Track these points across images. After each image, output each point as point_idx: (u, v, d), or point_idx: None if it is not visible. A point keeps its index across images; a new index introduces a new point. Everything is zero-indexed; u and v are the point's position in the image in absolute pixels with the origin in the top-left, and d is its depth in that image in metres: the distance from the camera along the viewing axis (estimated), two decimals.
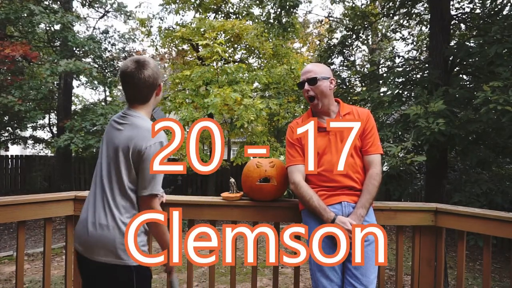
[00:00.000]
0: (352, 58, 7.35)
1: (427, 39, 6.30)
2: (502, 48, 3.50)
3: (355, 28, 6.34)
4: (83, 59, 8.52)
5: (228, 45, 8.55)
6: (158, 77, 1.48)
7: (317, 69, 1.77)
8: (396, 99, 4.40)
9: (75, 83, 10.56)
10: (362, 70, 10.07)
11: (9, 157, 10.82)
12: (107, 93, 11.53)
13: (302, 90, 1.79)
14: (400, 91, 4.54)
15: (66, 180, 9.79)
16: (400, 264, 1.97)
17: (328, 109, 1.78)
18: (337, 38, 7.08)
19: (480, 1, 4.98)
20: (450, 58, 4.60)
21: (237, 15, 9.83)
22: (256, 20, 9.22)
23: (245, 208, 1.94)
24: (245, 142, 8.32)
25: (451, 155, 5.46)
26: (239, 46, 9.15)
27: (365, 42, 11.93)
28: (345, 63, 6.79)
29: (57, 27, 7.89)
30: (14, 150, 12.36)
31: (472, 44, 4.82)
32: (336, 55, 6.48)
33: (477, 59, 4.14)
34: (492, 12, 4.76)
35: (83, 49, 8.07)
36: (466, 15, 5.20)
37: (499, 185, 4.18)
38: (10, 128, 9.79)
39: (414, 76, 5.23)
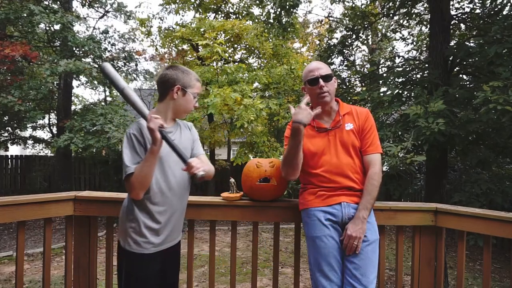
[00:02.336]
0: (352, 58, 7.35)
1: (427, 39, 6.30)
2: (502, 48, 3.50)
3: (355, 28, 6.34)
4: (83, 59, 8.51)
5: (228, 45, 8.55)
6: (174, 79, 1.59)
7: (326, 67, 1.75)
8: (396, 99, 4.40)
9: (75, 83, 10.56)
10: (362, 70, 10.08)
11: (9, 157, 10.82)
12: (107, 93, 11.53)
13: (314, 86, 1.70)
14: (400, 91, 4.54)
15: (66, 180, 9.78)
16: (400, 264, 1.97)
17: (330, 108, 1.78)
18: (337, 38, 7.06)
19: (480, 1, 4.99)
20: (450, 58, 4.60)
21: (237, 15, 9.84)
22: (256, 20, 9.23)
23: (245, 208, 1.94)
24: (245, 142, 8.31)
25: (451, 155, 5.46)
26: (239, 46, 9.14)
27: (365, 42, 11.92)
28: (345, 63, 6.79)
29: (57, 27, 7.88)
30: (14, 150, 12.35)
31: (472, 44, 4.82)
32: (336, 55, 6.48)
33: (477, 59, 4.14)
34: (492, 12, 4.76)
35: (83, 49, 8.06)
36: (466, 15, 5.20)
37: (499, 185, 4.18)
38: (10, 128, 9.78)
39: (414, 76, 5.23)
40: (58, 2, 9.00)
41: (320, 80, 1.69)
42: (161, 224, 1.57)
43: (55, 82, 8.91)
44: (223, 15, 9.92)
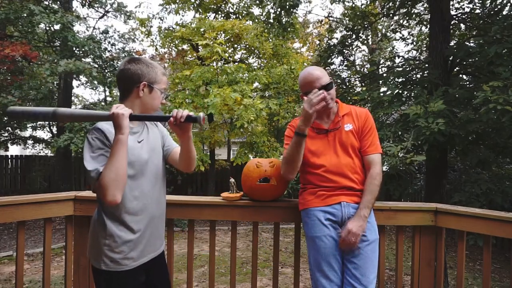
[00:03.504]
0: (352, 58, 7.36)
1: (427, 39, 6.30)
2: (502, 48, 3.51)
3: (355, 28, 6.34)
4: (83, 59, 8.51)
5: (228, 45, 8.55)
6: (139, 74, 1.42)
7: (325, 73, 1.71)
8: (396, 99, 4.40)
9: (75, 83, 10.59)
10: (362, 70, 10.09)
11: (9, 157, 10.82)
12: (107, 93, 11.55)
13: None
14: (400, 91, 4.54)
15: (66, 180, 9.79)
16: (400, 264, 1.97)
17: (330, 110, 1.78)
18: (337, 38, 7.07)
19: (480, 1, 4.99)
20: (450, 58, 4.60)
21: (237, 15, 9.84)
22: (256, 20, 9.23)
23: (245, 208, 1.94)
24: (245, 142, 8.32)
25: (451, 155, 5.46)
26: (239, 46, 9.15)
27: (365, 42, 11.92)
28: (345, 63, 6.80)
29: (57, 27, 7.89)
30: (14, 150, 12.36)
31: (472, 44, 4.82)
32: (336, 55, 6.48)
33: (477, 59, 4.14)
34: (492, 12, 4.77)
35: (83, 49, 8.07)
36: (466, 15, 5.21)
37: (499, 185, 4.18)
38: (10, 128, 9.79)
39: (414, 76, 5.23)
40: (58, 2, 9.01)
41: (323, 91, 1.63)
42: (139, 234, 1.43)
43: (55, 82, 8.92)
44: (223, 15, 9.92)
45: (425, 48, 7.45)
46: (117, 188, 1.26)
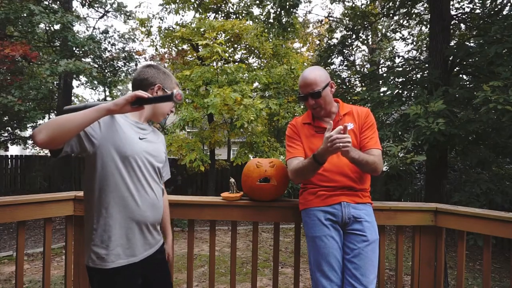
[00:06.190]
0: (352, 58, 7.36)
1: (427, 39, 6.31)
2: (502, 48, 3.51)
3: (355, 28, 6.35)
4: (83, 59, 8.51)
5: (228, 45, 8.55)
6: (155, 77, 1.50)
7: (318, 79, 1.69)
8: (396, 99, 4.41)
9: (75, 83, 10.58)
10: (362, 70, 10.09)
11: (9, 157, 10.82)
12: (107, 93, 11.54)
13: (305, 102, 1.75)
14: (400, 91, 4.54)
15: (66, 180, 9.79)
16: (400, 264, 1.97)
17: (329, 111, 1.78)
18: (337, 38, 7.08)
19: (480, 1, 4.99)
20: (450, 58, 4.60)
21: (237, 15, 9.84)
22: (256, 20, 9.22)
23: (245, 208, 1.94)
24: (245, 142, 8.31)
25: (451, 155, 5.46)
26: (239, 46, 9.14)
27: (365, 42, 11.91)
28: (345, 63, 6.80)
29: (57, 27, 7.89)
30: (14, 150, 12.35)
31: (472, 44, 4.83)
32: (336, 55, 6.49)
33: (477, 59, 4.15)
34: (492, 12, 4.77)
35: (83, 49, 8.06)
36: (466, 15, 5.21)
37: (499, 185, 4.18)
38: (10, 128, 9.78)
39: (414, 76, 5.24)
40: (58, 2, 9.01)
41: (309, 98, 1.70)
42: (126, 231, 1.39)
43: (55, 82, 8.92)
44: (223, 15, 9.92)
45: (425, 48, 7.45)
46: (48, 129, 1.18)
